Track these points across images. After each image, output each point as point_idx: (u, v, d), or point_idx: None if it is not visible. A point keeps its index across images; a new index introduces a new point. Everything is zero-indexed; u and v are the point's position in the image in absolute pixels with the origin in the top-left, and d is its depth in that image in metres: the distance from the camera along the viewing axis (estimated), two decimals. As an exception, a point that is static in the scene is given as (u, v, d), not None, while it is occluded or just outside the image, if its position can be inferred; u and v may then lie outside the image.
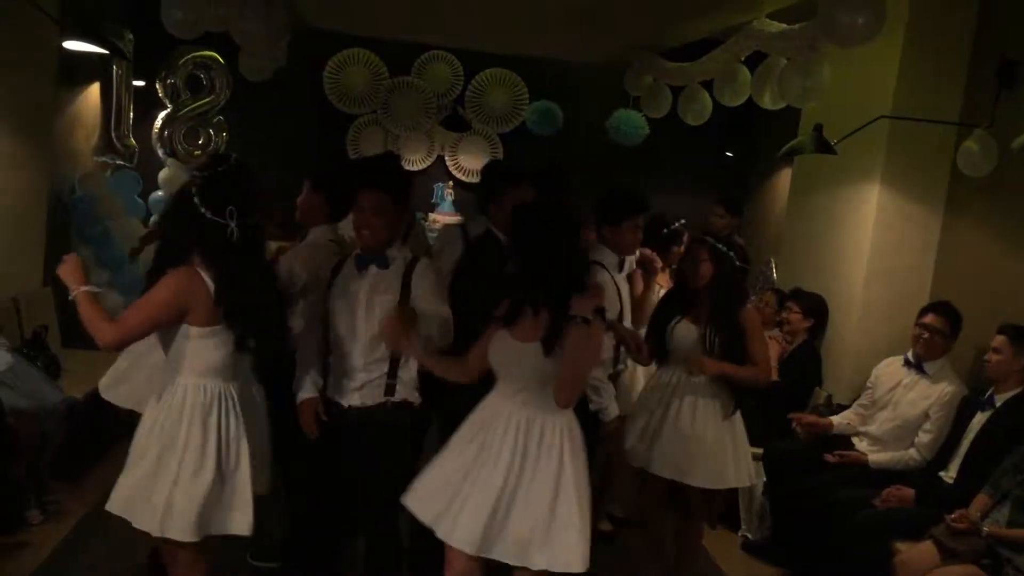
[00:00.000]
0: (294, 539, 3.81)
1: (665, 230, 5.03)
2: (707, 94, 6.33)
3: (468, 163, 8.34)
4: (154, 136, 7.13)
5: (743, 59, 5.68)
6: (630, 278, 4.34)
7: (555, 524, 2.83)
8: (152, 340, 3.39)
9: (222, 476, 2.83)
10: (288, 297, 3.30)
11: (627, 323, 4.12)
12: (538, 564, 2.84)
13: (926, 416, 4.41)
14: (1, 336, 4.55)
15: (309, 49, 7.35)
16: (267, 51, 6.22)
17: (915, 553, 3.73)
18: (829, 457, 4.56)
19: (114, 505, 2.87)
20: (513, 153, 8.19)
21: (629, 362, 4.37)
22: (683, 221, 5.11)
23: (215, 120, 7.32)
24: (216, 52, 7.00)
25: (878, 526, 4.00)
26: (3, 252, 5.24)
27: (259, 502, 2.95)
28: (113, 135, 6.95)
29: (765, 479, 4.84)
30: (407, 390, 3.36)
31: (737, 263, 3.86)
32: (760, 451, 4.72)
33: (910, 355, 4.57)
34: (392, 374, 3.32)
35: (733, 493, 4.97)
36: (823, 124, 4.99)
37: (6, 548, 4.06)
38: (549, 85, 8.10)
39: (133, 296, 3.09)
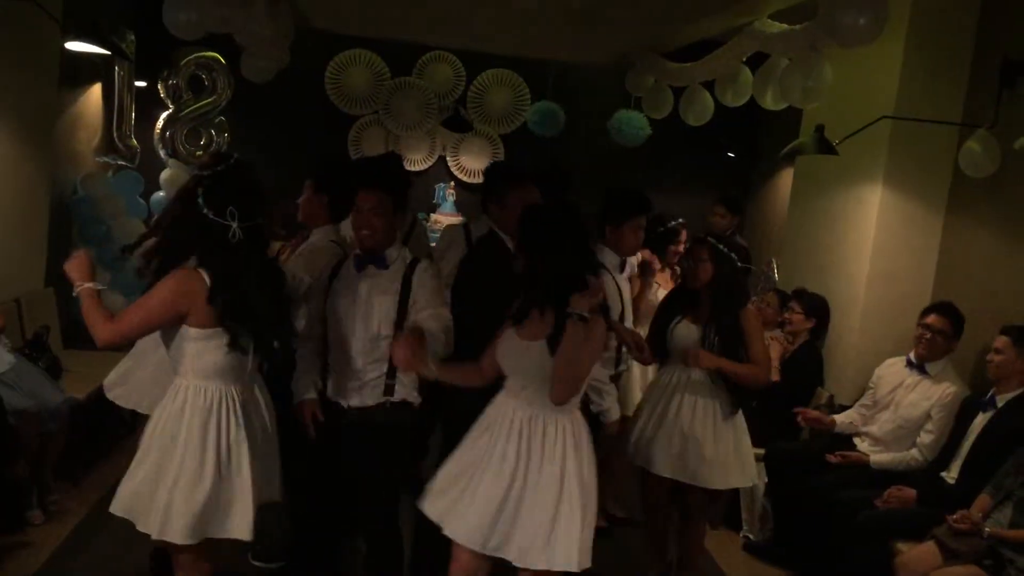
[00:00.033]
0: (295, 539, 3.81)
1: (660, 228, 5.03)
2: (709, 95, 6.33)
3: (470, 163, 8.34)
4: (156, 137, 7.15)
5: (745, 60, 5.67)
6: (631, 279, 4.35)
7: (558, 522, 2.85)
8: (154, 341, 3.40)
9: (221, 479, 2.81)
10: (293, 299, 3.29)
11: (628, 324, 4.13)
12: (539, 564, 2.86)
13: (928, 417, 4.41)
14: (3, 336, 4.55)
15: (311, 50, 7.35)
16: (270, 52, 6.23)
17: (917, 554, 3.72)
18: (831, 458, 4.56)
19: (117, 507, 2.86)
20: (515, 154, 8.18)
21: (631, 362, 4.37)
22: (680, 220, 5.11)
23: (217, 121, 7.34)
24: (218, 53, 7.01)
25: (879, 526, 4.00)
26: (5, 253, 5.24)
27: (266, 506, 2.96)
28: (115, 136, 6.97)
29: (767, 480, 4.83)
30: (406, 390, 3.37)
31: (738, 264, 3.85)
32: (762, 451, 4.73)
33: (912, 356, 4.57)
34: (391, 374, 3.33)
35: (735, 494, 4.98)
36: (825, 124, 4.99)
37: (8, 548, 4.07)
38: (551, 86, 8.10)
39: (134, 296, 3.09)
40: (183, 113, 7.11)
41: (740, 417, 3.94)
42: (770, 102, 5.49)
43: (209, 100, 7.15)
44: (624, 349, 4.06)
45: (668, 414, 3.87)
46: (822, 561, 4.25)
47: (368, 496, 3.45)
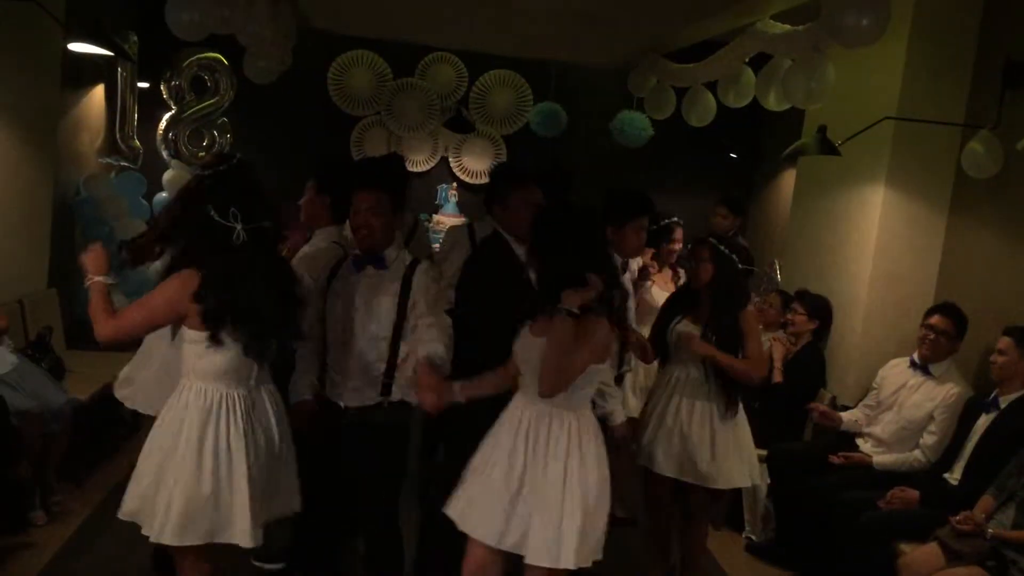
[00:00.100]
0: (295, 540, 3.81)
1: (654, 227, 5.03)
2: (711, 95, 6.33)
3: (472, 164, 8.34)
4: (158, 138, 7.15)
5: (747, 60, 5.67)
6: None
7: (563, 521, 2.87)
8: (158, 341, 3.40)
9: (220, 483, 2.77)
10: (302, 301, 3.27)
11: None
12: (543, 561, 2.88)
13: (931, 418, 4.41)
14: (6, 337, 4.55)
15: (313, 51, 7.36)
16: (272, 53, 6.23)
17: (919, 555, 3.72)
18: (833, 458, 4.56)
19: (124, 511, 2.85)
20: (517, 154, 8.18)
21: (634, 363, 4.38)
22: (675, 218, 5.10)
23: (219, 122, 7.34)
24: (220, 54, 7.01)
25: (882, 528, 3.99)
26: (8, 254, 5.25)
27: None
28: (118, 137, 6.98)
29: (769, 480, 4.83)
30: (403, 390, 3.37)
31: (739, 264, 3.86)
32: (764, 452, 4.72)
33: (916, 357, 4.57)
34: (389, 374, 3.33)
35: (737, 494, 4.98)
36: (827, 125, 4.98)
37: (11, 549, 4.07)
38: (553, 86, 8.10)
39: (136, 297, 3.09)
40: (186, 114, 7.12)
41: (741, 417, 3.94)
42: (772, 103, 5.49)
43: (212, 101, 7.16)
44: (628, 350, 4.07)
45: (668, 414, 3.89)
46: (824, 562, 4.24)
47: (367, 496, 3.45)
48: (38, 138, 5.55)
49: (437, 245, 5.50)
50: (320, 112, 7.97)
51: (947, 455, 4.23)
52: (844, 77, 5.02)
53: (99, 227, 6.40)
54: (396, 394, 3.36)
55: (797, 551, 4.58)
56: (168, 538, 2.76)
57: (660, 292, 4.83)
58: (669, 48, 6.75)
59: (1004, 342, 4.05)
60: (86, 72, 6.48)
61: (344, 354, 3.35)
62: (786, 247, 6.52)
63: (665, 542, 4.22)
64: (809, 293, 5.46)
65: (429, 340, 3.18)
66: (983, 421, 4.08)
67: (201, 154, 7.12)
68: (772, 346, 5.33)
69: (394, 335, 3.32)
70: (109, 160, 6.96)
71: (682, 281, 4.82)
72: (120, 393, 3.83)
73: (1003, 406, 4.03)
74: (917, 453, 4.41)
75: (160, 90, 7.18)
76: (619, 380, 4.09)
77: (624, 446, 3.87)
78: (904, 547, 3.86)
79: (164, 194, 7.18)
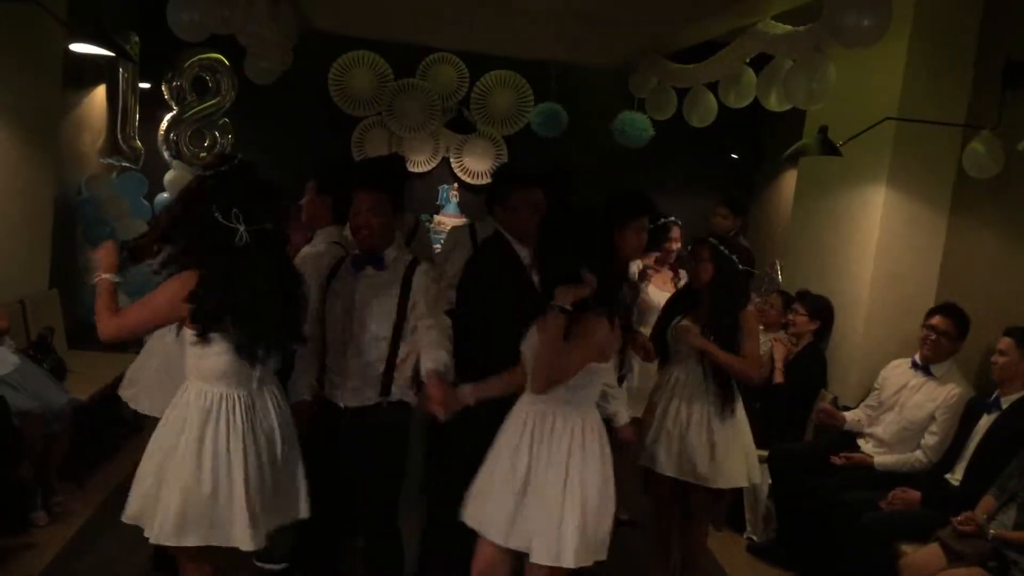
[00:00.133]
0: (296, 540, 3.81)
1: (651, 226, 5.03)
2: (712, 96, 6.33)
3: (473, 165, 8.34)
4: (160, 138, 7.15)
5: (748, 61, 5.67)
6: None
7: (563, 520, 2.89)
8: (160, 342, 3.40)
9: (219, 485, 2.75)
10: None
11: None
12: (544, 560, 2.90)
13: (932, 418, 4.41)
14: (7, 338, 4.55)
15: (314, 51, 7.36)
16: (273, 53, 6.23)
17: (921, 555, 3.72)
18: (835, 459, 4.56)
19: (128, 514, 2.84)
20: (518, 155, 8.18)
21: (637, 362, 4.38)
22: (672, 217, 5.10)
23: (220, 122, 7.34)
24: (221, 54, 7.01)
25: (884, 528, 3.99)
26: (9, 254, 5.25)
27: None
28: (119, 137, 6.98)
29: (770, 481, 4.83)
30: (402, 390, 3.37)
31: (740, 265, 3.86)
32: (765, 453, 4.72)
33: (917, 357, 4.57)
34: (388, 374, 3.33)
35: (738, 495, 4.98)
36: (828, 126, 4.98)
37: (12, 550, 4.07)
38: (554, 87, 8.10)
39: (137, 297, 3.09)
40: (187, 115, 7.11)
41: (741, 417, 3.94)
42: (774, 103, 5.49)
43: (213, 102, 7.16)
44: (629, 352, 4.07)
45: (668, 414, 3.90)
46: (825, 562, 4.25)
47: (367, 496, 3.45)
48: (39, 138, 5.56)
49: (438, 246, 5.50)
50: (321, 113, 7.97)
51: (948, 456, 4.23)
52: (845, 78, 5.02)
53: (100, 227, 6.41)
54: (395, 394, 3.37)
55: (798, 552, 4.59)
56: (166, 538, 2.75)
57: (658, 292, 4.83)
58: (670, 49, 6.75)
59: (1005, 342, 4.05)
60: (87, 72, 6.49)
61: (343, 354, 3.35)
62: (787, 247, 6.52)
63: (666, 543, 4.23)
64: (810, 293, 5.46)
65: (429, 344, 3.19)
66: (984, 422, 4.08)
67: (202, 154, 7.12)
68: (773, 346, 5.34)
69: (394, 335, 3.32)
70: (110, 160, 6.97)
71: (682, 282, 4.82)
72: (124, 393, 3.83)
73: (1004, 407, 4.03)
74: (918, 454, 4.41)
75: (161, 90, 7.18)
76: (620, 382, 4.09)
77: (629, 447, 3.87)
78: (905, 548, 3.86)
79: (165, 194, 7.19)
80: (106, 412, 5.28)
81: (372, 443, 3.35)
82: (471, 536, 3.11)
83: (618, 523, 4.84)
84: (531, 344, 3.05)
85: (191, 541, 2.75)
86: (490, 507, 3.00)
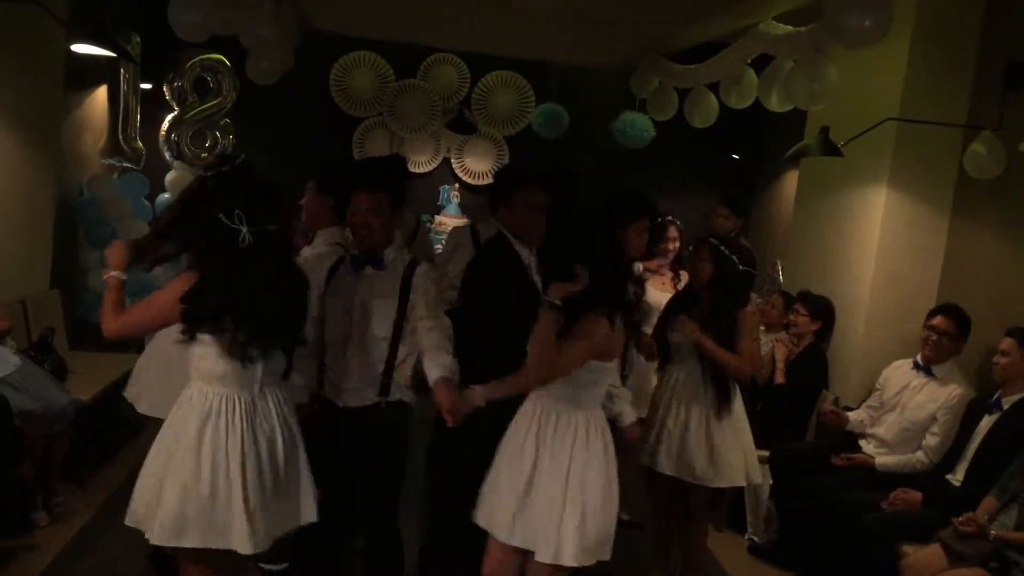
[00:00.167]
0: (296, 540, 3.81)
1: (648, 225, 5.03)
2: (713, 96, 6.33)
3: (474, 165, 8.34)
4: (161, 139, 7.16)
5: (749, 61, 5.67)
6: None
7: (564, 519, 2.90)
8: (160, 344, 3.40)
9: (215, 486, 2.73)
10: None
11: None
12: (544, 557, 2.92)
13: (933, 419, 4.40)
14: (8, 338, 4.56)
15: (315, 52, 7.36)
16: (274, 54, 6.24)
17: (922, 556, 3.72)
18: (836, 460, 4.56)
19: (131, 519, 2.83)
20: (519, 156, 8.19)
21: (641, 360, 4.39)
22: (668, 216, 5.10)
23: (222, 123, 7.35)
24: (223, 55, 7.02)
25: (885, 529, 3.99)
26: (11, 254, 5.25)
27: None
28: (120, 138, 6.99)
29: (771, 482, 4.83)
30: (401, 390, 3.38)
31: (739, 265, 3.87)
32: (767, 453, 4.72)
33: (918, 358, 4.56)
34: (387, 374, 3.33)
35: (739, 496, 4.98)
36: (830, 126, 4.98)
37: (13, 550, 4.07)
38: (555, 88, 8.10)
39: (138, 298, 3.10)
40: (188, 115, 7.13)
41: (740, 417, 3.95)
42: (775, 104, 5.49)
43: (214, 102, 7.17)
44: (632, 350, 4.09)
45: (669, 414, 3.92)
46: (827, 563, 4.24)
47: (367, 496, 3.45)
48: (41, 139, 5.56)
49: (439, 246, 5.50)
50: (322, 113, 7.97)
51: (950, 456, 4.23)
52: (846, 78, 5.01)
53: (102, 228, 6.41)
54: (394, 394, 3.37)
55: (799, 552, 4.59)
56: (165, 539, 2.73)
57: (658, 293, 4.83)
58: (671, 49, 6.75)
59: (1007, 343, 4.04)
60: (89, 73, 6.49)
61: (342, 355, 3.35)
62: (788, 248, 6.51)
63: (666, 543, 4.23)
64: (811, 294, 5.45)
65: (432, 349, 3.19)
66: (986, 422, 4.08)
67: (203, 155, 7.13)
68: (775, 347, 5.34)
69: (393, 336, 3.32)
70: (112, 161, 6.97)
71: (682, 283, 4.82)
72: (128, 393, 3.83)
73: (1006, 407, 4.03)
74: (920, 454, 4.41)
75: (163, 91, 7.19)
76: (623, 381, 4.09)
77: (634, 448, 3.88)
78: (906, 548, 3.86)
79: (167, 195, 7.19)
80: (107, 413, 5.28)
81: (371, 443, 3.35)
82: (473, 537, 3.11)
83: (620, 524, 4.86)
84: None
85: (189, 542, 2.73)
86: (496, 506, 3.02)
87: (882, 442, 4.57)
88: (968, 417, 4.25)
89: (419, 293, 3.31)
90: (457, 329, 3.35)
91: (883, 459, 4.49)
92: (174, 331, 2.86)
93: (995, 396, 4.12)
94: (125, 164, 7.03)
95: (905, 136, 5.03)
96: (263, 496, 2.80)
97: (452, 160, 8.38)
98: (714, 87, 6.25)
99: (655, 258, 5.03)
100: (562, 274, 2.93)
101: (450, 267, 4.04)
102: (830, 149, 4.94)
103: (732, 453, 3.87)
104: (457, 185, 8.32)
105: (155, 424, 3.33)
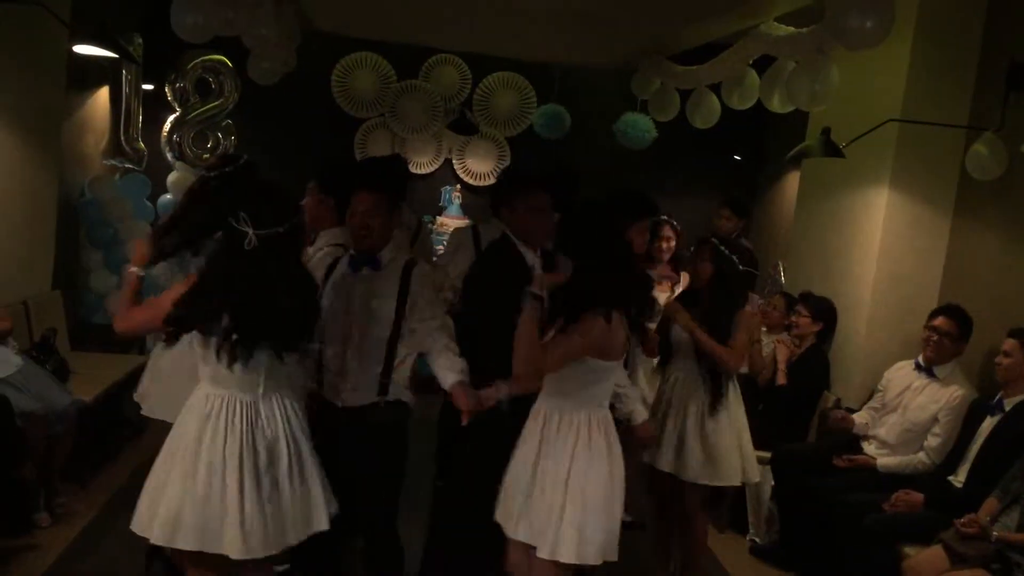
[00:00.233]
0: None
1: None
2: (715, 97, 6.32)
3: (476, 166, 8.34)
4: (163, 140, 7.16)
5: (751, 62, 5.67)
6: None
7: (564, 516, 2.92)
8: (162, 344, 3.39)
9: (211, 489, 2.70)
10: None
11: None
12: (543, 553, 2.93)
13: (935, 420, 4.40)
14: (10, 339, 4.56)
15: (317, 53, 7.36)
16: (276, 55, 6.24)
17: (924, 557, 3.71)
18: (837, 461, 4.56)
19: (135, 524, 2.81)
20: (521, 156, 8.18)
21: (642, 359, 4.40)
22: (665, 216, 5.10)
23: (223, 124, 7.35)
24: (225, 56, 7.02)
25: (887, 530, 3.99)
26: (13, 255, 5.26)
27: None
28: (122, 139, 7.00)
29: (773, 482, 4.83)
30: (400, 390, 3.38)
31: (739, 265, 3.88)
32: (767, 454, 4.73)
33: (920, 359, 4.56)
34: (386, 373, 3.33)
35: (741, 497, 4.98)
36: (831, 127, 4.98)
37: (14, 551, 4.08)
38: (556, 88, 8.10)
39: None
40: (190, 116, 7.13)
41: (737, 415, 3.97)
42: (777, 105, 5.48)
43: (216, 103, 7.17)
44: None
45: (668, 412, 3.94)
46: (828, 564, 4.24)
47: (367, 496, 3.45)
48: (42, 140, 5.57)
49: (441, 247, 5.50)
50: (324, 114, 7.97)
51: (951, 458, 4.22)
52: (848, 79, 5.01)
53: (103, 229, 6.42)
54: (393, 394, 3.36)
55: (800, 553, 4.58)
56: (161, 538, 2.72)
57: (656, 292, 4.83)
58: (673, 50, 6.75)
59: (1010, 344, 4.04)
60: (91, 74, 6.50)
61: (340, 354, 3.34)
62: (790, 249, 6.51)
63: (666, 542, 4.24)
64: (813, 295, 5.45)
65: (441, 351, 3.20)
66: (988, 424, 4.07)
67: (205, 156, 7.14)
68: (776, 348, 5.34)
69: (392, 336, 3.32)
70: (113, 162, 6.98)
71: (679, 286, 4.82)
72: (137, 394, 3.83)
73: (1008, 408, 4.02)
74: (921, 455, 4.40)
75: (164, 92, 7.19)
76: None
77: (647, 446, 3.89)
78: (908, 550, 3.86)
79: (168, 196, 7.20)
80: (109, 413, 5.28)
81: (371, 443, 3.35)
82: (475, 538, 3.12)
83: (625, 526, 4.87)
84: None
85: (182, 544, 2.71)
86: (506, 500, 3.07)
87: (884, 443, 4.57)
88: (970, 418, 4.25)
89: (417, 292, 3.31)
90: (458, 330, 3.36)
91: (885, 460, 4.49)
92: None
93: (997, 397, 4.12)
94: (127, 165, 7.04)
95: (907, 137, 5.03)
96: (260, 502, 2.74)
97: (454, 161, 8.38)
98: (716, 88, 6.24)
99: (651, 260, 5.02)
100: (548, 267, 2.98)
101: (451, 268, 4.05)
102: (831, 150, 4.94)
103: (728, 452, 3.89)
104: (458, 186, 8.32)
105: (157, 425, 3.34)
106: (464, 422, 3.07)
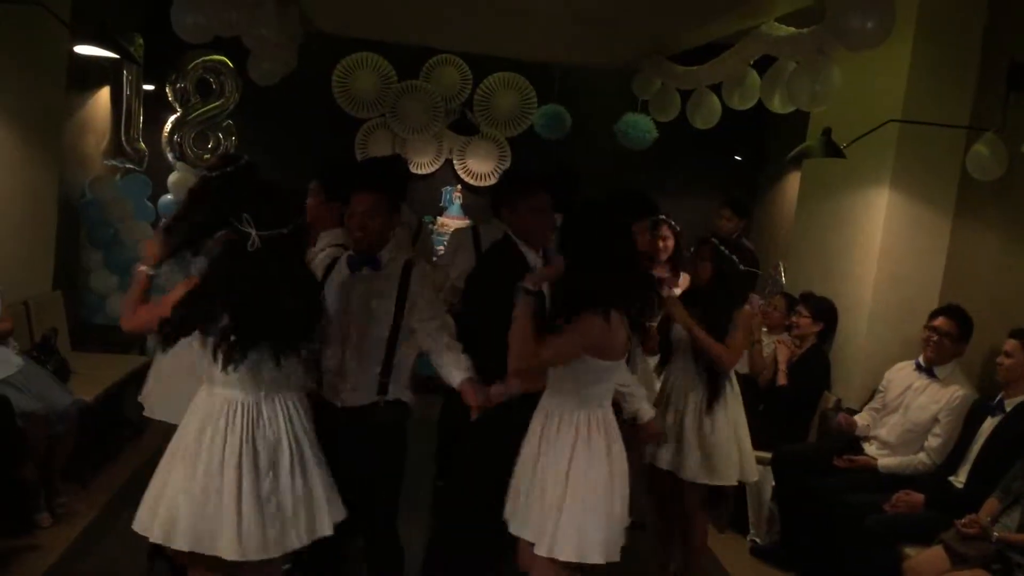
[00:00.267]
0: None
1: None
2: (716, 98, 6.32)
3: (476, 167, 8.35)
4: (164, 140, 7.17)
5: (752, 63, 5.67)
6: None
7: (562, 513, 2.92)
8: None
9: (208, 489, 2.69)
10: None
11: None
12: (540, 550, 2.94)
13: (936, 420, 4.40)
14: (11, 339, 4.56)
15: (318, 53, 7.36)
16: (277, 55, 6.24)
17: (925, 558, 3.71)
18: (838, 461, 4.56)
19: (137, 525, 2.80)
20: (521, 157, 8.19)
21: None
22: (662, 215, 5.10)
23: (224, 124, 7.36)
24: (225, 56, 7.03)
25: (887, 531, 3.99)
26: (13, 255, 5.26)
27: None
28: (123, 139, 7.00)
29: (774, 483, 4.83)
30: (399, 389, 3.38)
31: (740, 266, 3.89)
32: (768, 454, 4.73)
33: (920, 359, 4.56)
34: (385, 374, 3.33)
35: (741, 497, 4.98)
36: (832, 128, 4.98)
37: (16, 551, 4.08)
38: (557, 89, 8.10)
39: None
40: (191, 116, 7.14)
41: (736, 414, 3.98)
42: (777, 105, 5.48)
43: (217, 103, 7.18)
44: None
45: (668, 411, 3.95)
46: (829, 565, 4.24)
47: (367, 496, 3.45)
48: (43, 140, 5.57)
49: (441, 247, 5.50)
50: (325, 114, 7.98)
51: (952, 458, 4.22)
52: (849, 80, 5.00)
53: (104, 229, 6.43)
54: (393, 394, 3.37)
55: (801, 554, 4.58)
56: (161, 537, 2.72)
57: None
58: (673, 50, 6.75)
59: (1011, 344, 4.04)
60: (91, 74, 6.50)
61: (340, 354, 3.34)
62: (791, 249, 6.51)
63: (667, 542, 4.24)
64: (814, 295, 5.45)
65: (443, 348, 3.21)
66: (988, 424, 4.07)
67: (206, 156, 7.15)
68: (777, 348, 5.34)
69: (391, 336, 3.32)
70: (114, 162, 6.98)
71: (678, 289, 4.82)
72: (141, 396, 3.83)
73: (1008, 409, 4.02)
74: (922, 456, 4.40)
75: (165, 92, 7.20)
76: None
77: (655, 444, 3.89)
78: (909, 550, 3.86)
79: (169, 196, 7.20)
80: (110, 413, 5.28)
81: (370, 443, 3.35)
82: (476, 537, 3.12)
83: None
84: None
85: (179, 544, 2.70)
86: (511, 497, 3.09)
87: (884, 444, 4.57)
88: (970, 419, 4.24)
89: (417, 293, 3.31)
90: (458, 330, 3.36)
91: (885, 461, 4.49)
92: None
93: (997, 398, 4.11)
94: (128, 165, 7.04)
95: (907, 137, 5.03)
96: (258, 504, 2.72)
97: (454, 161, 8.38)
98: (716, 88, 6.24)
99: (650, 259, 5.02)
100: (568, 277, 2.98)
101: (452, 269, 4.05)
102: (832, 150, 4.94)
103: (726, 451, 3.90)
104: (459, 186, 8.32)
105: (157, 425, 3.34)
106: (473, 418, 3.08)
